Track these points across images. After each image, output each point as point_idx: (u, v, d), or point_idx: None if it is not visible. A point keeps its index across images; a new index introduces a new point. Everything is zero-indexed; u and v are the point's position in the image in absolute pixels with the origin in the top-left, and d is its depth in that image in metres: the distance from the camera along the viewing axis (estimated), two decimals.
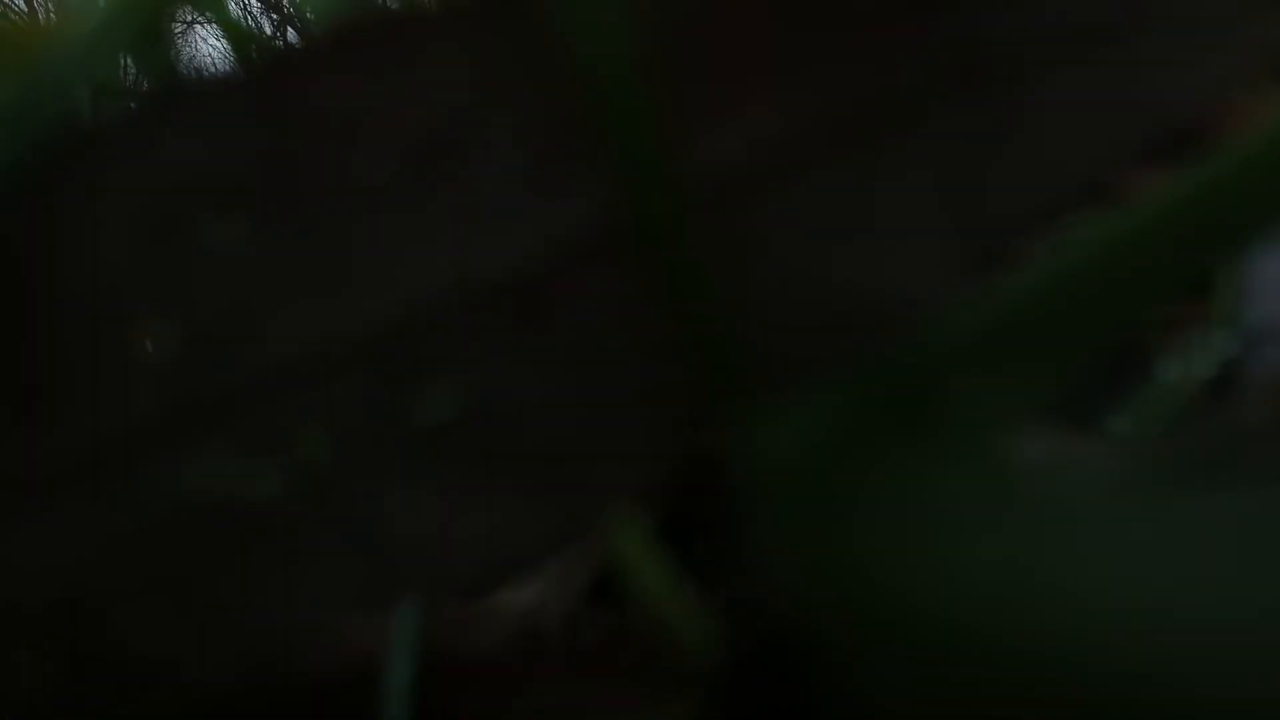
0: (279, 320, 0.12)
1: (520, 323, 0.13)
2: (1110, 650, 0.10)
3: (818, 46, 0.12)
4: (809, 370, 0.13)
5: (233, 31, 0.20)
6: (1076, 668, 0.10)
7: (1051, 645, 0.10)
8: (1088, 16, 0.12)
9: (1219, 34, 0.12)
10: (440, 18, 0.12)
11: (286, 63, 0.12)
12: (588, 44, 0.12)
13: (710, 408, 0.12)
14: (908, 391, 0.12)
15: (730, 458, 0.12)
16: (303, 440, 0.12)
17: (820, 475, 0.12)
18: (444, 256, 0.12)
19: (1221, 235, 0.13)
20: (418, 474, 0.13)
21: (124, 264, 0.12)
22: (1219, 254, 0.14)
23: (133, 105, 0.12)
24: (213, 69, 0.13)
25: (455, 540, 0.13)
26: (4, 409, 0.12)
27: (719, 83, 0.12)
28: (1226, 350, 0.18)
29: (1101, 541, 0.10)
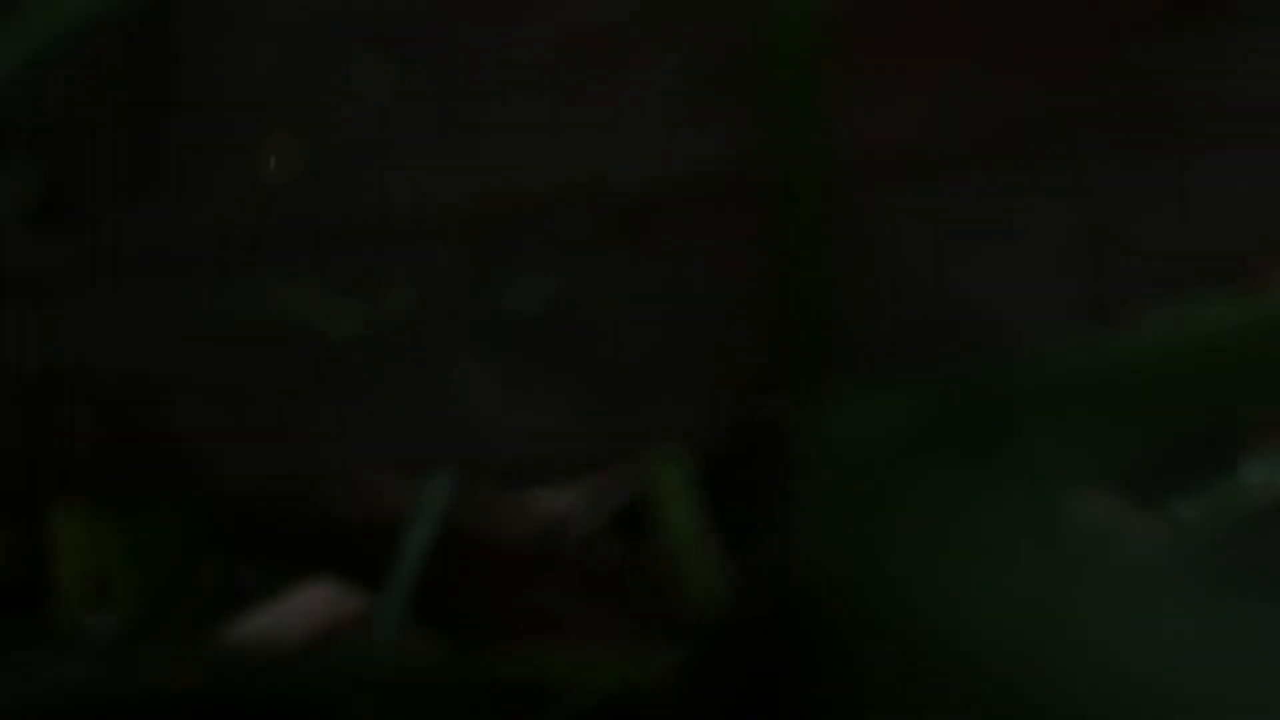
0: (402, 171, 0.13)
1: (628, 239, 0.13)
2: (1114, 715, 0.10)
3: (1004, 46, 0.12)
4: (897, 368, 0.12)
5: None
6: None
7: (1053, 699, 0.10)
8: (1272, 98, 0.12)
9: None
10: None
11: None
12: None
13: (788, 376, 0.12)
14: (988, 417, 0.12)
15: (793, 431, 0.12)
16: (391, 293, 0.13)
17: (875, 471, 0.12)
18: (573, 154, 0.12)
19: None
20: (486, 356, 0.13)
21: (272, 78, 0.13)
22: None
23: None
24: None
25: (505, 428, 0.13)
26: (132, 185, 0.13)
27: (894, 57, 0.12)
28: None
29: (1134, 614, 0.10)
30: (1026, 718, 0.10)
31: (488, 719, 0.16)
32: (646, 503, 0.17)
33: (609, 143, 0.12)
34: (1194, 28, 0.12)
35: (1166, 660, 0.10)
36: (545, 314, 0.13)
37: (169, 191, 0.13)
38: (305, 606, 0.18)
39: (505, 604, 0.16)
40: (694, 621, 0.16)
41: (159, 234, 0.13)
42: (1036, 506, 0.12)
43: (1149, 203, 0.12)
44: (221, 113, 0.13)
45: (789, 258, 0.12)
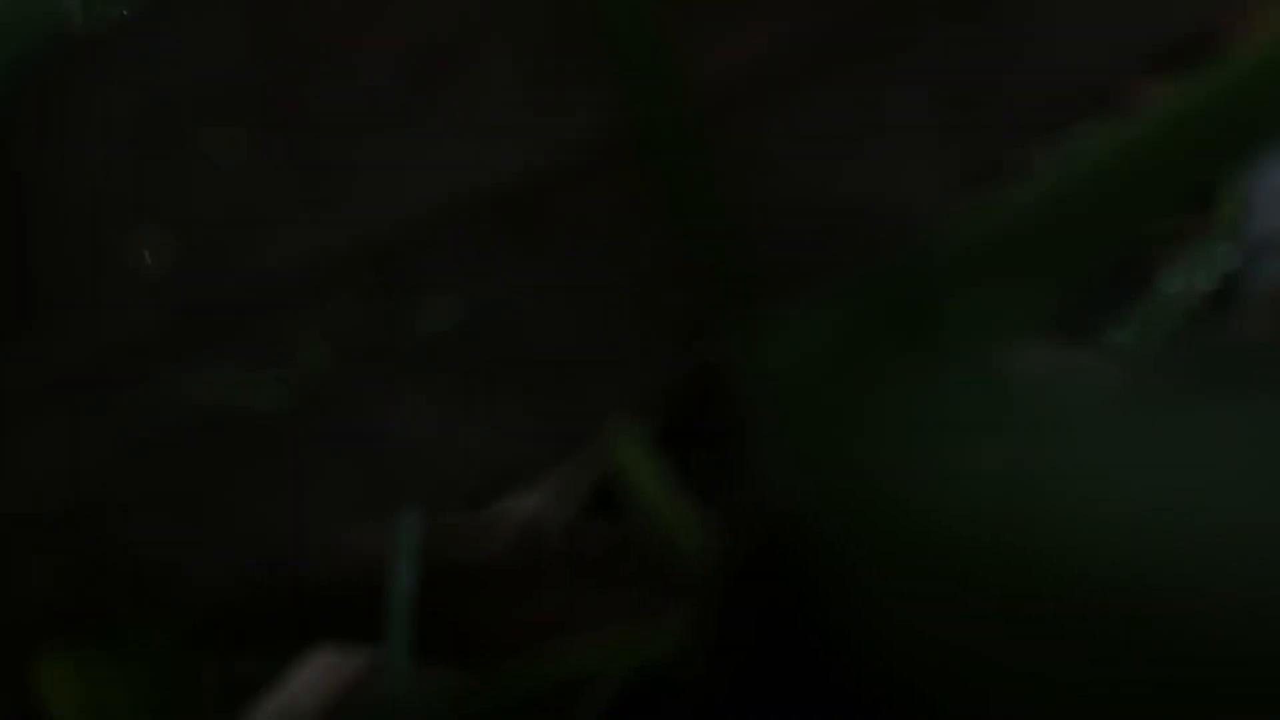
0: (279, 230, 0.12)
1: (520, 234, 0.13)
2: (1113, 555, 0.10)
3: None
4: (810, 282, 0.13)
5: None
6: (1079, 574, 0.10)
7: (1054, 551, 0.10)
8: None
9: None
10: None
11: None
12: None
13: (711, 319, 0.12)
14: (908, 303, 0.12)
15: (730, 368, 0.13)
16: (304, 351, 0.13)
17: (820, 385, 0.12)
18: (444, 167, 0.12)
19: (1226, 146, 0.13)
20: (418, 385, 0.13)
21: (122, 172, 0.12)
22: (1223, 165, 0.13)
23: (127, 11, 0.12)
24: None
25: (456, 449, 0.13)
26: (7, 319, 0.12)
27: None
28: (1228, 263, 0.18)
29: (1102, 447, 0.10)
30: (1023, 585, 0.10)
31: None
32: (613, 481, 0.17)
33: (474, 146, 0.12)
34: None
35: (1142, 483, 0.10)
36: (462, 329, 0.13)
37: (54, 315, 0.12)
38: (313, 680, 0.18)
39: (505, 619, 0.16)
40: (691, 582, 0.16)
41: (55, 361, 0.13)
42: (978, 374, 0.12)
43: (1004, 59, 0.12)
44: (80, 222, 0.12)
45: (678, 204, 0.12)
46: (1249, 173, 0.17)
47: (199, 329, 0.13)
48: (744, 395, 0.12)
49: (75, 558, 0.13)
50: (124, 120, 0.12)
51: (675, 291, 0.12)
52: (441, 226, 0.13)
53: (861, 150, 0.12)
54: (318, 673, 0.18)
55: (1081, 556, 0.10)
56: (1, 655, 0.13)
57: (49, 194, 0.12)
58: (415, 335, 0.13)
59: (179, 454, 0.13)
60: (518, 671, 0.16)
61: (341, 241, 0.13)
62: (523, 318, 0.13)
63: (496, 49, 0.12)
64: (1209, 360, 0.12)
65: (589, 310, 0.13)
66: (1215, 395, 0.11)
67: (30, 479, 0.13)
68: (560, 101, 0.12)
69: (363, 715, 0.16)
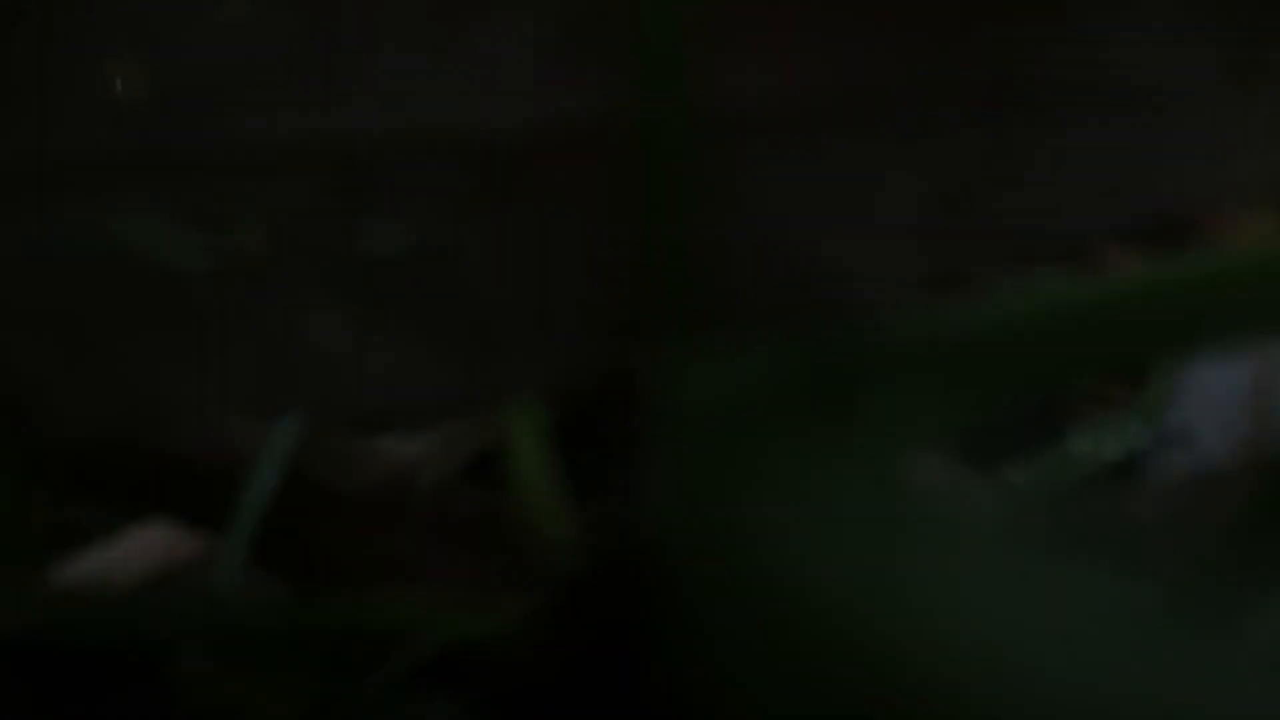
0: (259, 103, 0.12)
1: (490, 187, 0.12)
2: (945, 669, 0.10)
3: (867, 15, 0.12)
4: (752, 325, 0.13)
5: None
6: (913, 677, 0.10)
7: (893, 651, 0.10)
8: (1126, 84, 0.12)
9: (1239, 148, 0.13)
10: None
11: None
12: None
13: (647, 329, 0.12)
14: (837, 378, 0.13)
15: (649, 382, 0.13)
16: (244, 228, 0.12)
17: (726, 429, 0.12)
18: (437, 101, 0.12)
19: (1172, 333, 0.13)
20: (341, 298, 0.12)
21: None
22: (1163, 350, 0.14)
23: None
24: None
25: (359, 372, 0.13)
26: None
27: (759, 18, 0.12)
28: (1137, 442, 0.18)
29: (958, 573, 0.11)
30: (862, 671, 0.11)
31: (330, 668, 0.15)
32: (499, 452, 0.17)
33: (473, 91, 0.12)
34: (1055, 12, 0.12)
35: (997, 618, 0.10)
36: (404, 258, 0.12)
37: (10, 114, 0.12)
38: (141, 547, 0.18)
39: (353, 551, 0.16)
40: (544, 572, 0.16)
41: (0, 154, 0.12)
42: (878, 466, 0.12)
43: (1001, 177, 0.13)
44: (68, 35, 0.12)
45: (651, 210, 0.12)
46: (1184, 364, 0.18)
47: (145, 170, 0.12)
48: (653, 412, 0.12)
49: None
50: None
51: (622, 289, 0.12)
52: (415, 155, 0.12)
53: (843, 215, 0.13)
54: (149, 543, 0.18)
55: (902, 660, 0.10)
56: None
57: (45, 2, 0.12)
58: (355, 251, 0.12)
59: (85, 286, 0.12)
60: (342, 605, 0.16)
61: (315, 135, 0.12)
62: (466, 268, 0.13)
63: (522, 6, 0.12)
64: (1090, 525, 0.12)
65: (532, 280, 0.13)
66: (1082, 557, 0.11)
67: None
68: (567, 73, 0.12)
69: (175, 597, 0.16)
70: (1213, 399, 0.18)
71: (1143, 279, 0.13)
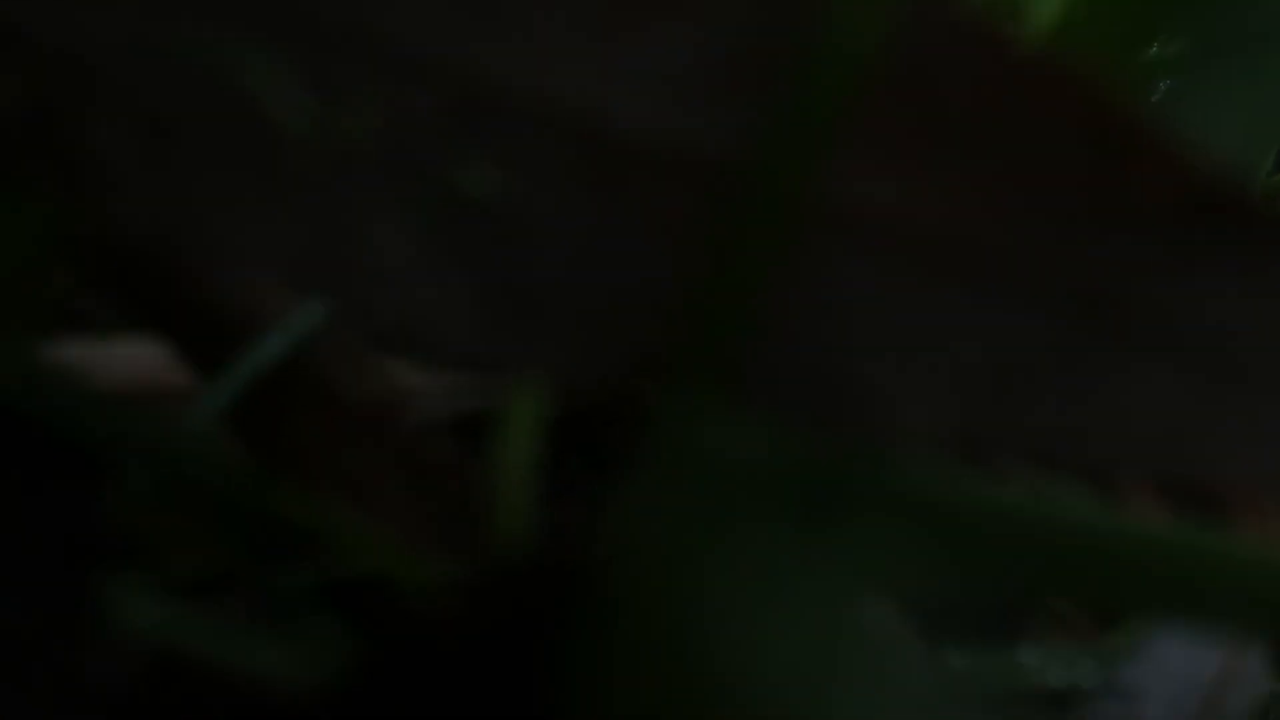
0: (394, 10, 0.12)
1: (597, 173, 0.13)
2: None
3: (1009, 168, 0.12)
4: (774, 411, 0.13)
5: None
6: None
7: None
8: (1202, 342, 0.12)
9: None
10: None
11: None
12: (839, 13, 0.12)
13: (676, 367, 0.12)
14: (825, 499, 0.13)
15: (656, 424, 0.13)
16: (354, 110, 0.12)
17: (710, 503, 0.12)
18: (587, 82, 0.12)
19: (1165, 598, 0.13)
20: (415, 215, 0.13)
21: None
22: (1145, 607, 0.14)
23: None
24: None
25: (401, 289, 0.13)
26: None
27: (904, 130, 0.12)
28: (1085, 680, 0.18)
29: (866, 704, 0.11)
30: None
31: (253, 546, 0.15)
32: (491, 420, 0.17)
33: (619, 83, 0.12)
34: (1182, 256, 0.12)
35: None
36: (486, 206, 0.13)
37: None
38: (131, 358, 0.18)
39: (320, 452, 0.16)
40: (488, 548, 0.16)
41: None
42: (837, 590, 0.12)
43: (1063, 380, 0.13)
44: None
45: (729, 256, 0.12)
46: (1162, 626, 0.18)
47: (294, 32, 0.12)
48: (649, 446, 0.12)
49: (40, 98, 0.12)
50: None
51: (672, 319, 0.12)
52: (546, 118, 0.12)
53: (899, 348, 0.13)
54: (141, 358, 0.18)
55: None
56: None
57: None
58: (442, 180, 0.12)
59: (190, 103, 0.12)
60: (287, 496, 0.16)
61: (453, 63, 0.12)
62: (540, 238, 0.13)
63: (689, 24, 0.12)
64: None
65: (596, 277, 0.13)
66: None
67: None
68: (711, 97, 0.12)
69: (145, 414, 0.16)
70: (1172, 675, 0.18)
71: (1153, 531, 0.13)
